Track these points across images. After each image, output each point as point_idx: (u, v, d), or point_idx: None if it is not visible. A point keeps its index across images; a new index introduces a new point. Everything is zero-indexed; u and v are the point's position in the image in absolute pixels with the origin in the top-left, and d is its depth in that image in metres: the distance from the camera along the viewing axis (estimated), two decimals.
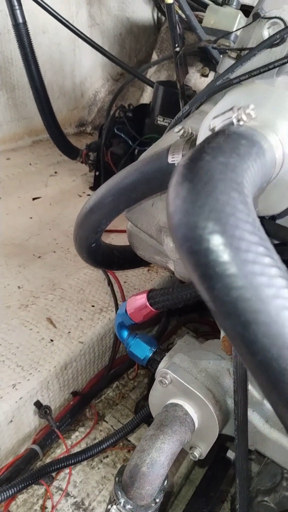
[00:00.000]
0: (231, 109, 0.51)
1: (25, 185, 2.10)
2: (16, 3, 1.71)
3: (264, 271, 0.38)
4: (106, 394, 1.41)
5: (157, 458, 0.75)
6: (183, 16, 1.54)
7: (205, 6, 1.99)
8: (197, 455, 0.88)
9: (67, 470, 1.16)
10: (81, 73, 2.77)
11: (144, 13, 2.98)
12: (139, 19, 2.97)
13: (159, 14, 2.99)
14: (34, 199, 2.00)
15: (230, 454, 1.17)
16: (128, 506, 0.75)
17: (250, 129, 0.50)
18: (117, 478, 0.78)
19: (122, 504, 0.76)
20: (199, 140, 0.65)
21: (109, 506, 0.77)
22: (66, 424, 1.21)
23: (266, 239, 0.41)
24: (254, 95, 0.55)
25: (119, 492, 0.76)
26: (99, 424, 1.31)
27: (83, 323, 1.34)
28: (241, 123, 0.51)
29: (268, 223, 0.69)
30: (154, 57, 2.70)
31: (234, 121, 0.51)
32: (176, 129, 0.73)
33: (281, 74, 0.93)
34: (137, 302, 0.94)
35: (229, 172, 0.42)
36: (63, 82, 2.67)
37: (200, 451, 0.88)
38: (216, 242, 0.38)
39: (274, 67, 0.90)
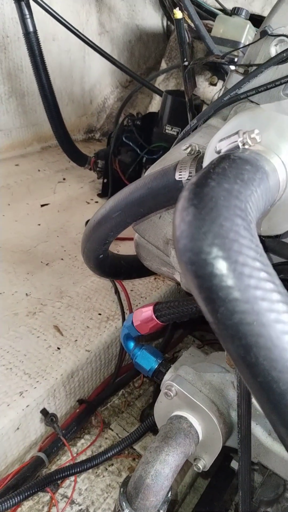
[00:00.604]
0: (237, 133, 0.52)
1: (33, 192, 2.12)
2: (27, 12, 1.74)
3: (266, 296, 0.40)
4: (112, 402, 1.42)
5: (162, 470, 0.77)
6: (192, 25, 1.56)
7: (214, 16, 2.01)
8: (201, 467, 0.89)
9: (72, 478, 1.17)
10: (90, 80, 2.80)
11: (154, 20, 3.01)
12: (149, 27, 2.99)
13: (168, 22, 3.02)
14: (42, 205, 2.02)
15: (234, 464, 1.18)
16: None
17: (254, 153, 0.51)
18: (122, 489, 0.79)
19: None
20: (205, 161, 0.66)
21: None
22: (72, 431, 1.22)
23: (268, 265, 0.42)
24: (259, 120, 0.56)
25: (123, 502, 0.77)
26: (104, 432, 1.32)
27: (89, 331, 1.35)
28: (246, 146, 0.52)
29: (273, 241, 0.70)
30: (163, 65, 2.71)
31: (240, 145, 0.52)
32: (184, 146, 0.74)
33: (287, 89, 0.95)
34: (144, 314, 0.96)
35: (233, 198, 0.43)
36: (72, 89, 2.70)
37: (204, 463, 0.89)
38: (220, 267, 0.40)
39: (281, 84, 0.91)
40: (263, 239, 0.70)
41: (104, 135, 2.95)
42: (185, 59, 1.20)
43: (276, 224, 0.60)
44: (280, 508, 1.03)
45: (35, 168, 2.36)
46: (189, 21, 1.58)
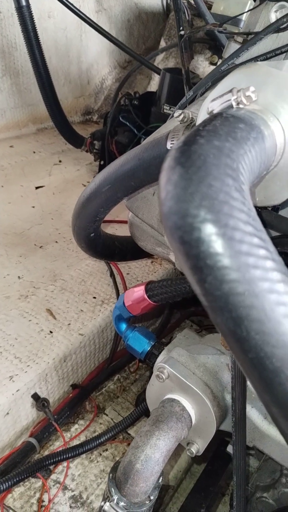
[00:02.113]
0: (231, 91, 0.48)
1: (28, 174, 2.07)
2: None
3: (259, 263, 0.36)
4: (107, 387, 1.39)
5: (152, 454, 0.73)
6: (192, 1, 1.50)
7: None
8: (194, 451, 0.86)
9: (65, 463, 1.15)
10: (88, 60, 2.73)
11: None
12: (148, 5, 2.92)
13: (168, 0, 2.94)
14: (37, 188, 1.97)
15: (230, 449, 1.15)
16: (122, 503, 0.73)
17: (249, 112, 0.47)
18: (111, 475, 0.76)
19: (115, 501, 0.74)
20: (197, 124, 0.62)
21: (102, 503, 0.75)
22: (64, 417, 1.19)
23: (262, 230, 0.38)
24: (256, 77, 0.52)
25: (112, 489, 0.74)
26: (99, 417, 1.29)
27: (83, 314, 1.32)
28: (240, 106, 0.48)
29: (268, 214, 0.66)
30: (162, 44, 2.65)
31: (233, 103, 0.48)
32: (176, 113, 0.70)
33: None
34: (135, 294, 0.92)
35: (224, 157, 0.39)
36: (69, 69, 2.63)
37: (197, 447, 0.86)
38: (208, 231, 0.36)
39: (281, 53, 0.87)
40: (260, 212, 0.66)
41: (102, 117, 2.88)
42: (181, 28, 1.15)
43: (273, 193, 0.56)
44: (277, 493, 1.00)
45: (30, 150, 2.31)
46: None
